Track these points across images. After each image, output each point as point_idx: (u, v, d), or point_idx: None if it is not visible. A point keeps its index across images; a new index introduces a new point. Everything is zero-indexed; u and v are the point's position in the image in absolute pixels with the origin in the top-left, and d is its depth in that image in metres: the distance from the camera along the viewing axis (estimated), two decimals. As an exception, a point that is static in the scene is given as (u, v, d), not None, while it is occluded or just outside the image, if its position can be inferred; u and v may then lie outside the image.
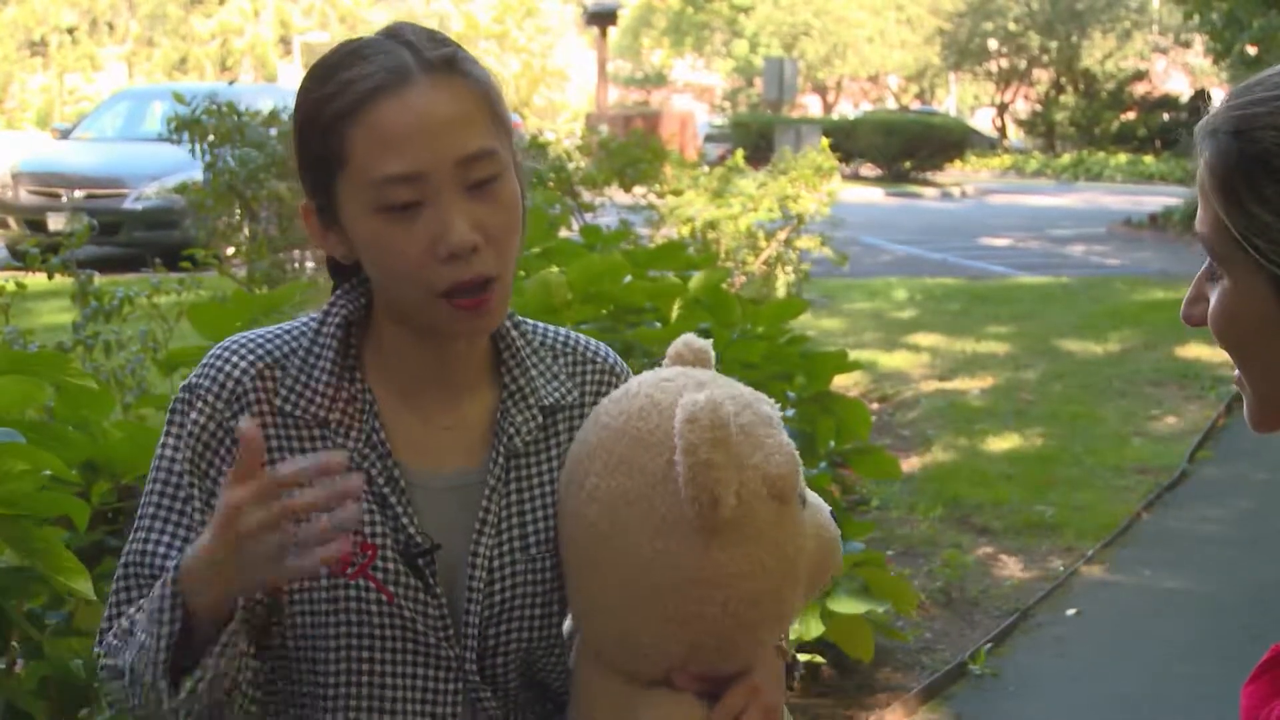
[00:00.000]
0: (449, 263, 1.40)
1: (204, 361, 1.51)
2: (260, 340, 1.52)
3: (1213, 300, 1.18)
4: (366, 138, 1.40)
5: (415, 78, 1.41)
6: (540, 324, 1.63)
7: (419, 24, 1.50)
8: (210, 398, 1.48)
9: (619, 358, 1.66)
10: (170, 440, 1.50)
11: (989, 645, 4.73)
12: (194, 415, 1.48)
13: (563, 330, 1.64)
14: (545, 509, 1.54)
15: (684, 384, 1.48)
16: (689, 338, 1.60)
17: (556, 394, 1.57)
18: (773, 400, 1.52)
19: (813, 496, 1.53)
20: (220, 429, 1.48)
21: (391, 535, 1.47)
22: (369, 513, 1.46)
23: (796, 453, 1.47)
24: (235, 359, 1.50)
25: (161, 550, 1.48)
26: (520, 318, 1.59)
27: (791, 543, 1.46)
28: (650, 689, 1.48)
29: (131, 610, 1.46)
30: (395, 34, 1.46)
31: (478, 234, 1.41)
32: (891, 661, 4.61)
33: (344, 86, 1.41)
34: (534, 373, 1.57)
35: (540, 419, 1.55)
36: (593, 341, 1.65)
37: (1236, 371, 1.20)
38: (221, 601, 1.35)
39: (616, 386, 1.58)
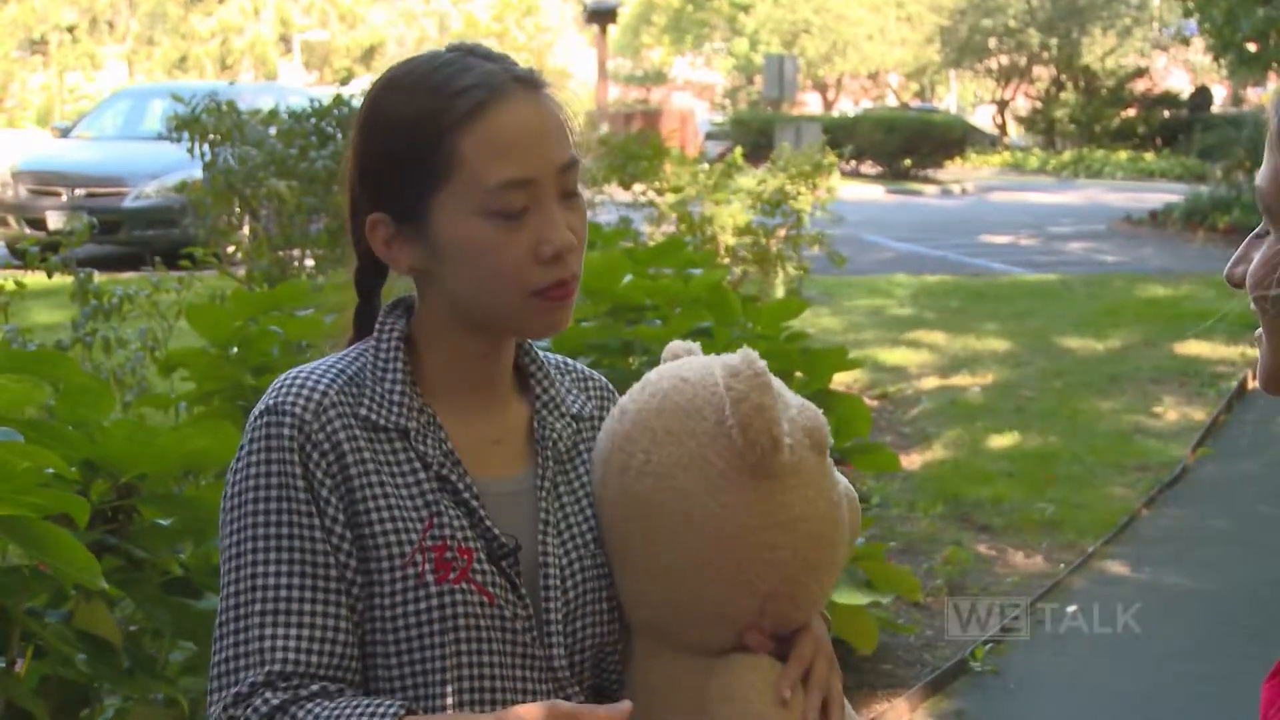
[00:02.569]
0: (549, 263, 1.46)
1: (277, 385, 1.48)
2: (330, 363, 1.52)
3: (1256, 258, 1.17)
4: (480, 145, 1.44)
5: (512, 89, 1.47)
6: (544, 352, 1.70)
7: (483, 43, 1.56)
8: (297, 411, 1.45)
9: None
10: (259, 461, 1.44)
11: (989, 643, 4.73)
12: (286, 431, 1.44)
13: (556, 355, 1.71)
14: (590, 509, 1.59)
15: (703, 361, 1.56)
16: (675, 344, 1.68)
17: (577, 405, 1.64)
18: None
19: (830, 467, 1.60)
20: (309, 441, 1.45)
21: (479, 540, 1.49)
22: (457, 519, 1.49)
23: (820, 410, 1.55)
24: (316, 376, 1.49)
25: (278, 582, 1.42)
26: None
27: (834, 490, 1.53)
28: (721, 657, 1.51)
29: (256, 662, 1.40)
30: (470, 50, 1.51)
31: (573, 236, 1.48)
32: (892, 658, 4.61)
33: (453, 98, 1.45)
34: (559, 385, 1.63)
35: (574, 426, 1.62)
36: (584, 367, 1.73)
37: (1258, 330, 1.19)
38: None
39: (614, 403, 1.65)
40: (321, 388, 1.47)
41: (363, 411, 1.48)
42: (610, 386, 1.72)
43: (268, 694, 1.37)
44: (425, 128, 1.45)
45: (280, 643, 1.39)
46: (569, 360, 1.72)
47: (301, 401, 1.46)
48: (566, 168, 1.48)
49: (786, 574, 1.48)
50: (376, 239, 1.50)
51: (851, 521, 1.58)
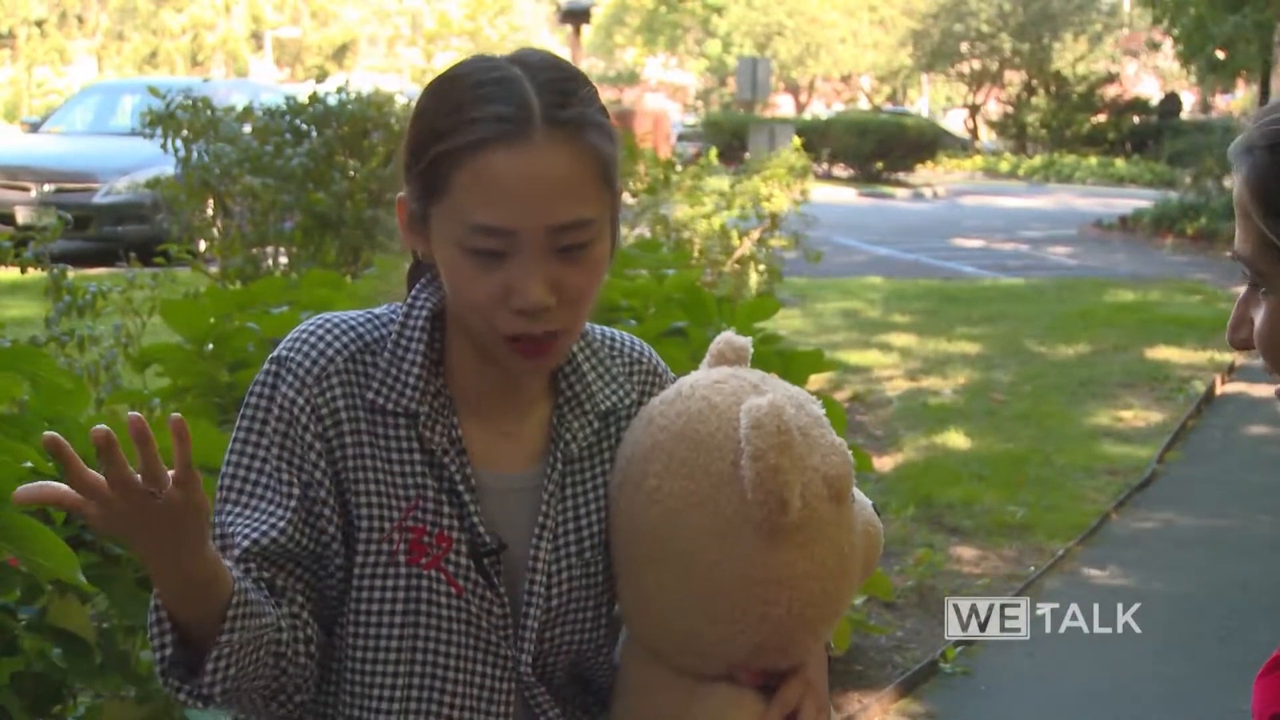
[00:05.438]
0: (519, 315, 1.42)
1: (294, 336, 1.50)
2: (352, 323, 1.52)
3: (1258, 320, 1.16)
4: (469, 182, 1.40)
5: (534, 133, 1.39)
6: (592, 325, 1.62)
7: (549, 54, 1.48)
8: (301, 371, 1.48)
9: (656, 354, 1.67)
10: (257, 413, 1.48)
11: (960, 645, 4.75)
12: (284, 389, 1.48)
13: (610, 330, 1.65)
14: (599, 512, 1.56)
15: (738, 386, 1.51)
16: (730, 336, 1.62)
17: (614, 398, 1.59)
18: (816, 399, 1.54)
19: (856, 492, 1.55)
20: (309, 405, 1.47)
21: (462, 532, 1.49)
22: (443, 506, 1.49)
23: (849, 451, 1.50)
24: (329, 337, 1.50)
25: (237, 528, 1.46)
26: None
27: (847, 541, 1.49)
28: (707, 683, 1.50)
29: None
30: (526, 65, 1.44)
31: (554, 295, 1.41)
32: (864, 659, 4.63)
33: (462, 126, 1.40)
34: (591, 378, 1.58)
35: (596, 425, 1.57)
36: (636, 341, 1.66)
37: (1277, 387, 1.19)
38: (190, 595, 1.35)
39: (662, 387, 1.60)
40: (330, 354, 1.49)
41: (369, 395, 1.48)
42: (661, 367, 1.65)
43: None
44: (432, 143, 1.42)
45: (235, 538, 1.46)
46: (621, 338, 1.65)
47: (307, 364, 1.48)
48: (564, 227, 1.40)
49: (781, 630, 1.46)
50: (400, 218, 1.50)
51: (868, 559, 1.56)
